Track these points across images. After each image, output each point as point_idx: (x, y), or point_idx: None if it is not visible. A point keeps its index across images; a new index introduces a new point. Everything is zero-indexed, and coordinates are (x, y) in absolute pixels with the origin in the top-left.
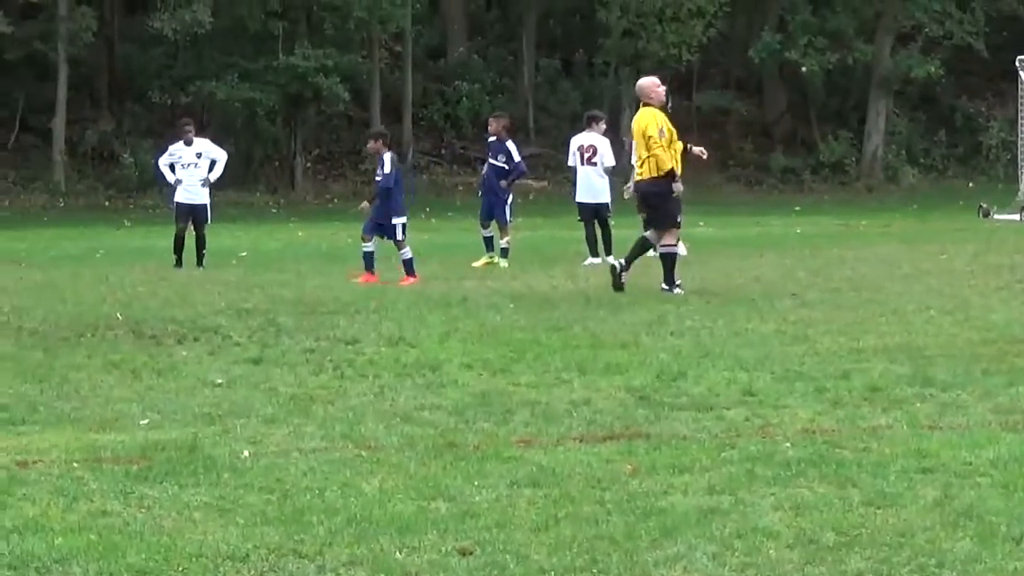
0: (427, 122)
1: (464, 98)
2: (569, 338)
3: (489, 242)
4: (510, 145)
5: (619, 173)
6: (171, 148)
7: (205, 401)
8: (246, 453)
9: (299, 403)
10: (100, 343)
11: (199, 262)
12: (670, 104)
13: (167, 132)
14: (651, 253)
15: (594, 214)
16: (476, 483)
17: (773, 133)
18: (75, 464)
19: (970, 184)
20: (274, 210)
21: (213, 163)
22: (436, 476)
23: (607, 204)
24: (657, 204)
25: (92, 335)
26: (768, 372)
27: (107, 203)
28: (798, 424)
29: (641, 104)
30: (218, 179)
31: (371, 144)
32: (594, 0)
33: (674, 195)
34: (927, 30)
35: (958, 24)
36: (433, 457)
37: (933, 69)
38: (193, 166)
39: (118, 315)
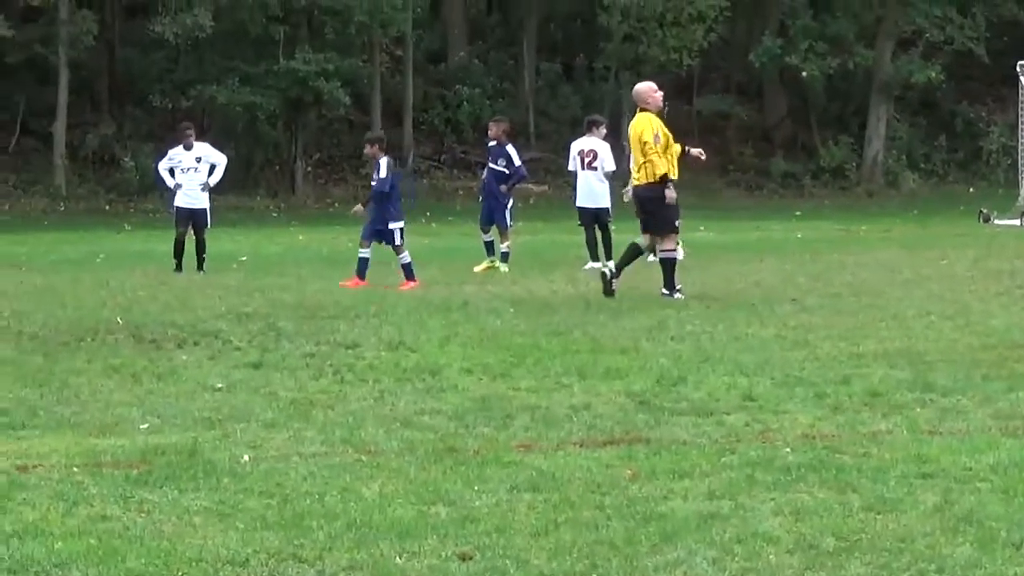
0: (428, 126)
1: (465, 102)
2: (569, 343)
3: (490, 247)
4: (510, 149)
5: (619, 178)
6: (171, 152)
7: (205, 405)
8: (246, 458)
9: (299, 407)
10: (100, 347)
11: (199, 266)
12: (666, 109)
13: (168, 136)
14: (651, 258)
15: (594, 219)
16: (476, 488)
17: (774, 138)
18: (75, 469)
19: (970, 189)
20: (275, 214)
21: (213, 167)
22: (436, 481)
23: (607, 209)
24: (654, 209)
25: (92, 339)
26: (768, 377)
27: (108, 207)
28: (798, 429)
29: (638, 109)
30: (218, 183)
31: (368, 149)
32: (595, 4)
33: (666, 201)
34: (928, 35)
35: (959, 29)
36: (433, 462)
37: (934, 74)
38: (193, 170)
39: (118, 319)
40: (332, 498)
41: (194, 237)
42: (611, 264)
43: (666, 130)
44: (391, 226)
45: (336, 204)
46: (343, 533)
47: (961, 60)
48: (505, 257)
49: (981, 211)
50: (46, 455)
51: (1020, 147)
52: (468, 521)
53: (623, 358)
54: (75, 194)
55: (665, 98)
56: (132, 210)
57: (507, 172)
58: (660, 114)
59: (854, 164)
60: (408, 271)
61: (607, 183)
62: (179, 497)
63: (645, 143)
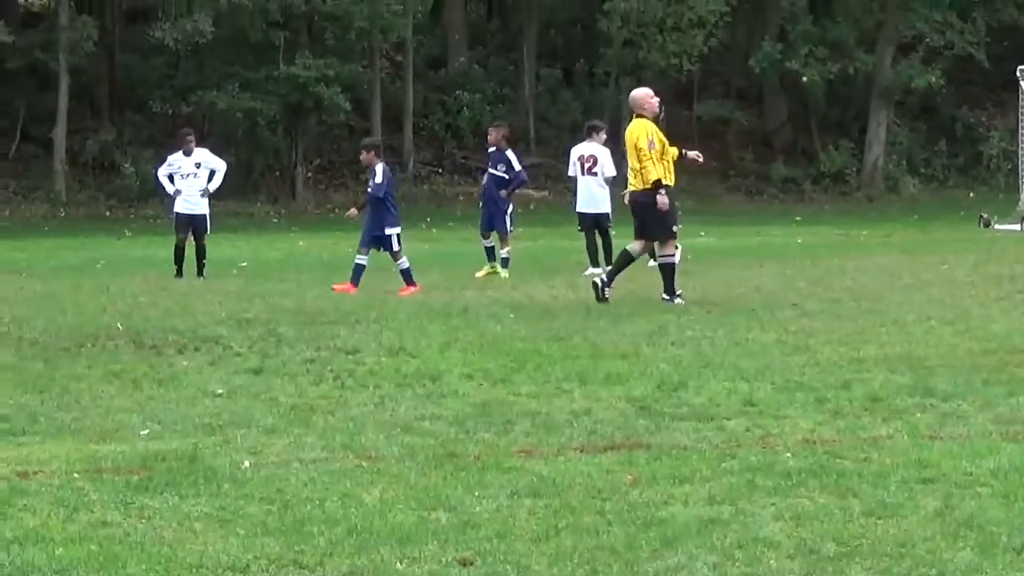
0: (428, 132)
1: (465, 108)
2: (570, 348)
3: (490, 252)
4: (510, 155)
5: (619, 183)
6: (170, 158)
7: (206, 411)
8: (247, 463)
9: (300, 413)
10: (101, 353)
11: (199, 272)
12: (663, 115)
13: (168, 142)
14: (651, 263)
15: (595, 224)
16: (477, 493)
17: (774, 143)
18: (76, 475)
19: (971, 194)
20: (275, 220)
21: (212, 173)
22: (437, 486)
23: (608, 214)
24: (649, 215)
25: (92, 345)
26: (769, 382)
27: (108, 213)
28: (799, 434)
29: (634, 115)
30: (218, 189)
31: (364, 155)
32: (595, 9)
33: (658, 207)
34: (928, 40)
35: (959, 34)
36: (434, 467)
37: (934, 79)
38: (192, 176)
39: (119, 325)
40: (333, 504)
41: (194, 243)
42: (603, 273)
43: (662, 136)
44: (388, 232)
45: (336, 210)
46: (344, 539)
47: (961, 65)
48: (505, 263)
49: (981, 216)
50: (47, 461)
51: (1020, 152)
52: (469, 527)
53: (623, 363)
54: (75, 200)
55: (664, 104)
56: (132, 216)
57: (507, 177)
58: (656, 120)
59: (854, 169)
60: (407, 276)
61: (607, 188)
62: (180, 503)
63: (640, 149)
